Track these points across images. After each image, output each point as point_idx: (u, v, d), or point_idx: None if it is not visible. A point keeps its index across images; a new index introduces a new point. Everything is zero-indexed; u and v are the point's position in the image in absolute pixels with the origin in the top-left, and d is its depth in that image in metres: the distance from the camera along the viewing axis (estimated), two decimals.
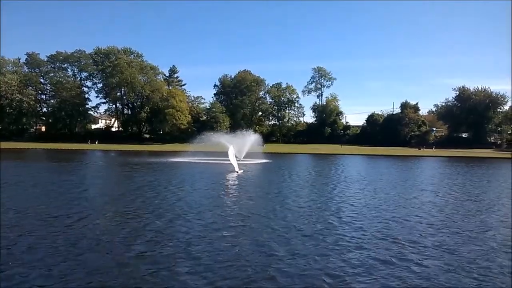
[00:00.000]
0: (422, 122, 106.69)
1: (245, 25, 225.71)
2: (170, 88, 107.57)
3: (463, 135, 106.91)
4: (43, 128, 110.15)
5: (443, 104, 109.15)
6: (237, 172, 30.62)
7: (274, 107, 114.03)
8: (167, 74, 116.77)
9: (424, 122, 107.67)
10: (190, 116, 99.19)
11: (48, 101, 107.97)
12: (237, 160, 45.02)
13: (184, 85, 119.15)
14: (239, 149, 48.21)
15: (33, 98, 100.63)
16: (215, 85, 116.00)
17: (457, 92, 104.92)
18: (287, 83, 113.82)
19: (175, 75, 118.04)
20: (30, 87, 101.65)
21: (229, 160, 32.51)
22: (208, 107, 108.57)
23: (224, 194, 20.78)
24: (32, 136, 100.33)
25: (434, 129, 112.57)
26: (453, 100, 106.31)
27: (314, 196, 20.29)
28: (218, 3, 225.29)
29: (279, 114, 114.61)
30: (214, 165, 35.95)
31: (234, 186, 24.11)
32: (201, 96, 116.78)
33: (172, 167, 36.67)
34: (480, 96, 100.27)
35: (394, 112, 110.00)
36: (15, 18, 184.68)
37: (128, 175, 31.17)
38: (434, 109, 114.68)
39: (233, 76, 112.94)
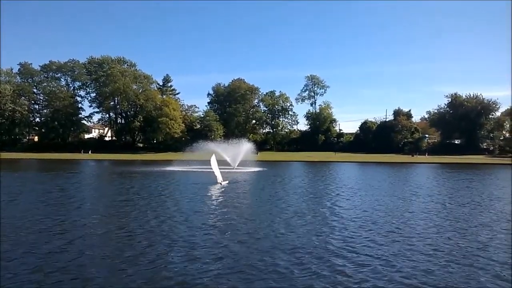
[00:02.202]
0: (415, 129, 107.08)
1: (238, 34, 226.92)
2: (164, 97, 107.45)
3: (456, 142, 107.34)
4: (36, 138, 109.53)
5: (436, 111, 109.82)
6: (220, 183, 28.97)
7: (268, 115, 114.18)
8: (161, 83, 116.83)
9: (417, 129, 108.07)
10: (183, 125, 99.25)
11: (41, 111, 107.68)
12: (231, 169, 45.36)
13: (177, 94, 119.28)
14: (233, 157, 48.53)
15: (26, 108, 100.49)
16: (208, 94, 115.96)
17: (449, 99, 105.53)
18: (280, 91, 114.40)
19: (169, 84, 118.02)
20: (23, 97, 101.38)
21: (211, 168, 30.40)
22: (202, 116, 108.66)
23: (197, 205, 20.08)
24: (25, 146, 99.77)
25: (427, 136, 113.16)
26: (446, 107, 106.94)
27: (287, 205, 20.01)
28: (211, 12, 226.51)
29: (273, 122, 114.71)
30: (204, 174, 35.14)
31: (211, 198, 23.13)
32: (195, 105, 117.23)
33: (160, 176, 36.61)
34: (472, 103, 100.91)
35: (387, 119, 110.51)
36: (7, 28, 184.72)
37: (112, 184, 31.79)
38: (426, 116, 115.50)
39: (226, 85, 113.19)
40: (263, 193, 25.24)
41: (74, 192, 25.63)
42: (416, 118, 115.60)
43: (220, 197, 22.94)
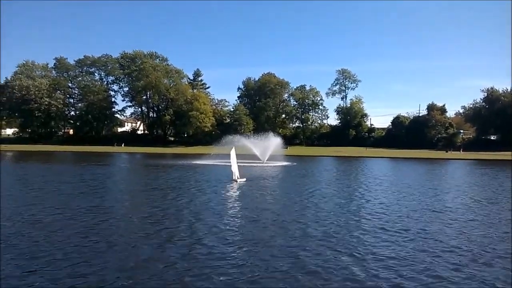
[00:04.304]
0: (449, 124, 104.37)
1: (269, 28, 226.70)
2: (194, 91, 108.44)
3: (492, 138, 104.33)
4: (71, 131, 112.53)
5: (471, 106, 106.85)
6: (236, 180, 26.62)
7: (298, 109, 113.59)
8: (192, 78, 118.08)
9: (451, 124, 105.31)
10: (214, 119, 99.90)
11: (76, 105, 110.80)
12: (260, 163, 45.46)
13: (208, 88, 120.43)
14: (263, 152, 48.77)
15: (62, 102, 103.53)
16: (238, 88, 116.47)
17: (485, 94, 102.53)
18: (310, 85, 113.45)
19: (199, 78, 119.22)
20: (59, 91, 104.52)
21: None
22: (232, 110, 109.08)
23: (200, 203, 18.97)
24: (60, 139, 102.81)
25: (462, 131, 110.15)
26: (481, 101, 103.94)
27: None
28: (241, 7, 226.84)
29: (303, 117, 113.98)
30: (228, 168, 31.43)
31: (216, 197, 20.95)
32: (225, 99, 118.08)
33: (182, 170, 37.25)
34: (509, 98, 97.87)
35: (421, 114, 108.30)
36: (43, 24, 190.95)
37: (139, 175, 34.03)
38: (461, 111, 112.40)
39: (257, 79, 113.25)
40: (277, 193, 23.40)
41: (98, 182, 26.68)
42: (450, 113, 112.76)
43: (225, 197, 21.39)
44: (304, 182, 28.61)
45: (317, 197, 21.15)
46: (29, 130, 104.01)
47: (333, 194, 22.65)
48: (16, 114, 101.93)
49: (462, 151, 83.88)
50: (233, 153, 27.29)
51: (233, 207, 18.26)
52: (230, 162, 27.93)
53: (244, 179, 27.54)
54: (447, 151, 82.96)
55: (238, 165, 27.39)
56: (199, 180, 29.05)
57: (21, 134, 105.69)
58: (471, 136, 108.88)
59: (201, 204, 18.32)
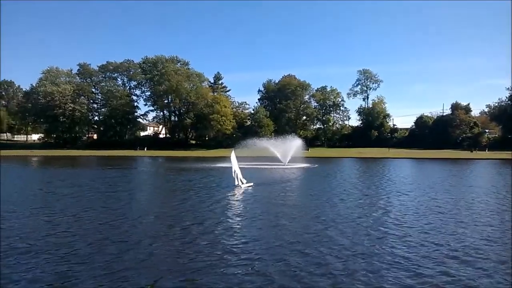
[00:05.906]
0: (474, 123, 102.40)
1: (289, 30, 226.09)
2: (215, 94, 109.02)
3: None
4: (95, 136, 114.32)
5: (496, 104, 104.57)
6: (240, 185, 24.05)
7: (319, 111, 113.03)
8: (212, 81, 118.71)
9: (476, 124, 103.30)
10: (234, 122, 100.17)
11: (99, 110, 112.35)
12: (282, 165, 45.39)
13: (228, 91, 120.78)
14: (284, 154, 48.73)
15: (85, 107, 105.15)
16: (259, 91, 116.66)
17: (511, 92, 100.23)
18: (331, 87, 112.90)
19: (220, 82, 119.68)
20: (83, 97, 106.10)
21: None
22: (253, 112, 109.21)
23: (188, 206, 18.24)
24: (85, 144, 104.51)
25: (487, 130, 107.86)
26: (507, 100, 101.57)
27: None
28: (260, 10, 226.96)
29: (324, 118, 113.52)
30: (244, 171, 27.79)
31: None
32: (245, 102, 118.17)
33: (197, 173, 37.03)
34: None
35: (444, 114, 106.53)
36: (66, 30, 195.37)
37: (149, 178, 34.65)
38: (486, 110, 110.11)
39: (277, 81, 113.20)
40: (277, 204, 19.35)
41: (118, 186, 27.14)
42: (475, 112, 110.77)
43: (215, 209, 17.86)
44: (318, 189, 25.35)
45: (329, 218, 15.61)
46: (54, 136, 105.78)
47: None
48: (41, 120, 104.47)
49: (488, 150, 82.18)
50: (233, 157, 24.44)
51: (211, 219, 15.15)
52: (248, 165, 25.54)
53: (251, 184, 24.93)
54: (472, 151, 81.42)
55: (260, 167, 25.51)
56: (202, 184, 27.12)
57: (46, 139, 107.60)
58: (496, 135, 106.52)
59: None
